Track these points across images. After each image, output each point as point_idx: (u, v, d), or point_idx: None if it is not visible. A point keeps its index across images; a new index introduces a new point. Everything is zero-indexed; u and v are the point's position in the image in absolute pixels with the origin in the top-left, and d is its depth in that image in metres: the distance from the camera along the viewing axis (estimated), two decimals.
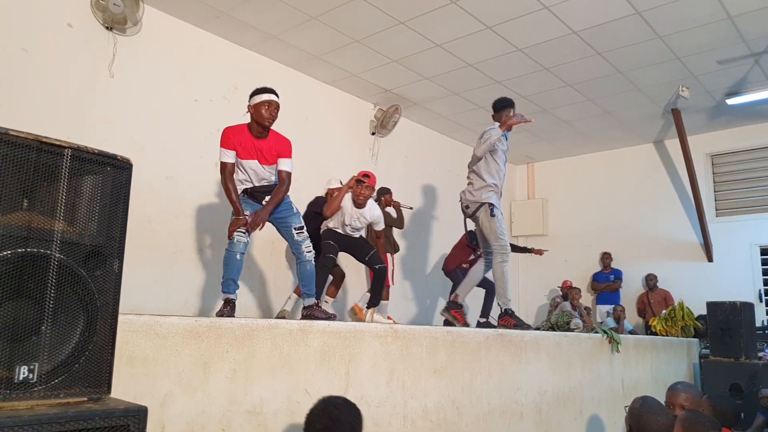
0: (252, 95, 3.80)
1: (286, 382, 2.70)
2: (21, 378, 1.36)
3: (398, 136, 8.03)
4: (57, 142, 1.45)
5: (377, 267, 4.95)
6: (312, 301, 4.04)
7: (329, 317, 3.82)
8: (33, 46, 4.81)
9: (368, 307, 5.15)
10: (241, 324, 2.59)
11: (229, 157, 3.75)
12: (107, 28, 5.22)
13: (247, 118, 3.82)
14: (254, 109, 3.76)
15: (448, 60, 6.52)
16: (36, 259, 1.40)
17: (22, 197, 1.38)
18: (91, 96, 5.15)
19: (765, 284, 8.06)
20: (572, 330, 6.77)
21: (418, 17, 5.64)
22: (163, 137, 5.57)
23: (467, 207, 4.92)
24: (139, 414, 1.47)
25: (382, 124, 7.70)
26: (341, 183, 5.39)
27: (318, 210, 5.25)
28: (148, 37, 5.48)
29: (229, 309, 3.72)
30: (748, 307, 6.54)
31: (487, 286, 5.73)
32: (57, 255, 1.44)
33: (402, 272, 7.96)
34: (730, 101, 7.36)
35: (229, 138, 3.76)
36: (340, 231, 4.96)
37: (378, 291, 5.07)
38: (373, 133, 7.83)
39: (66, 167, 1.46)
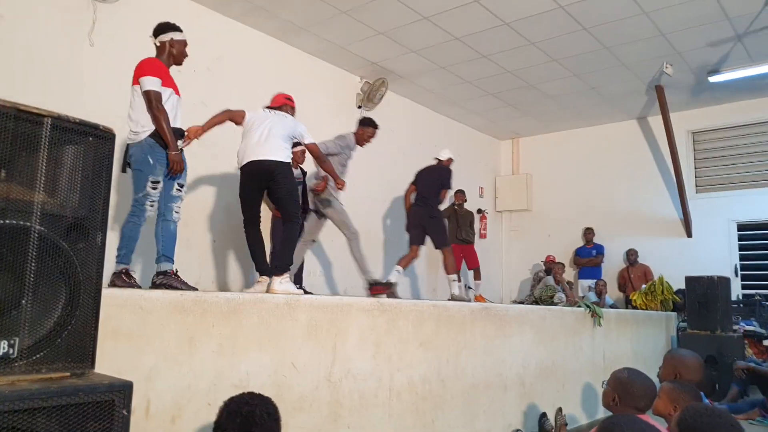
0: (173, 29, 3.65)
1: (273, 356, 2.69)
2: (1, 353, 1.33)
3: (385, 110, 7.94)
4: (36, 111, 1.40)
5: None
6: (170, 266, 3.42)
7: (191, 288, 3.21)
8: (9, 11, 4.65)
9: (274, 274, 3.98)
10: (228, 299, 2.57)
11: (156, 84, 3.40)
12: None
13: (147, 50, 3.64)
14: (179, 46, 3.66)
15: (436, 33, 6.43)
16: (15, 231, 1.36)
17: None
18: (70, 64, 5.00)
19: (741, 259, 8.23)
20: (556, 304, 6.87)
21: None
22: None
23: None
24: (124, 389, 1.45)
25: (369, 98, 7.61)
26: None
27: None
28: (129, 4, 5.32)
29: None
30: (724, 282, 6.67)
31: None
32: (37, 227, 1.40)
33: (387, 249, 7.96)
34: (712, 79, 7.38)
35: (156, 66, 3.47)
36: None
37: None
38: (360, 107, 7.74)
39: (46, 137, 1.42)
